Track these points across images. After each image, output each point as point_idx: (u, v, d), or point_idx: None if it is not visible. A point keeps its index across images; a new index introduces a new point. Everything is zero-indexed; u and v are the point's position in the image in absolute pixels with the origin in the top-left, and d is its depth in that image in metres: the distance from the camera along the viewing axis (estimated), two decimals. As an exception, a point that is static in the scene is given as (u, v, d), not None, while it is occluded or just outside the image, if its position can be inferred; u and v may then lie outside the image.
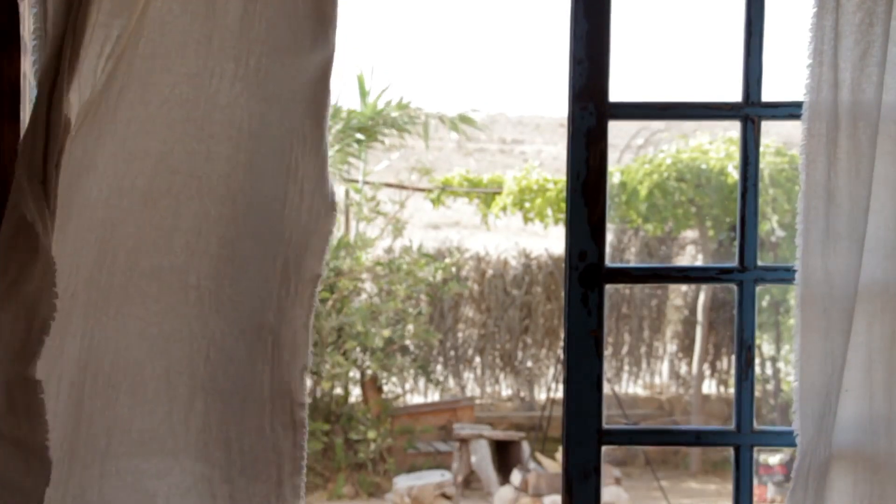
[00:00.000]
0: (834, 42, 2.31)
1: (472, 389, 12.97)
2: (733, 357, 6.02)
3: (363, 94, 11.41)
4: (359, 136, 11.12)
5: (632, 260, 13.32)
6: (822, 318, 2.34)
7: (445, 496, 9.67)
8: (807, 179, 2.34)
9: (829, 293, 2.34)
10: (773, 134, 13.71)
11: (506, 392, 13.13)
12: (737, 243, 2.51)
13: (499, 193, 12.71)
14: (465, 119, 11.81)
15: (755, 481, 2.58)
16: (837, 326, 2.33)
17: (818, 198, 2.34)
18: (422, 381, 12.29)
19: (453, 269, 11.90)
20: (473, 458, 10.36)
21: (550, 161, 19.76)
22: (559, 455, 9.95)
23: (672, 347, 13.46)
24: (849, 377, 2.34)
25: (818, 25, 2.32)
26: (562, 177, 12.44)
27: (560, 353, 12.36)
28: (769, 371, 11.99)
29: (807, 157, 2.33)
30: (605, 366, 5.31)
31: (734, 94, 2.52)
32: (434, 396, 12.43)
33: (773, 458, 10.30)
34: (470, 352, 12.99)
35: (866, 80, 2.31)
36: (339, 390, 10.86)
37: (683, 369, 13.26)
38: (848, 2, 2.30)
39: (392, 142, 11.76)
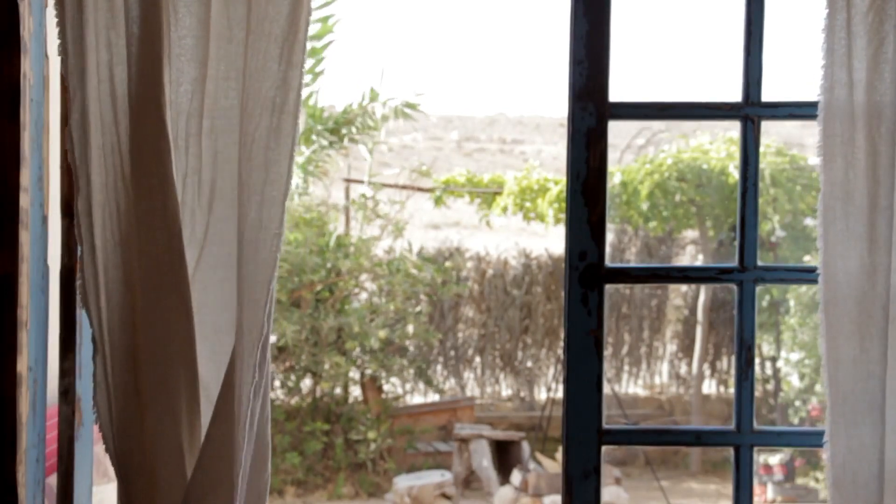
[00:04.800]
0: (847, 41, 2.29)
1: (472, 389, 12.97)
2: (733, 357, 6.02)
3: (373, 95, 11.43)
4: (330, 137, 11.16)
5: (632, 260, 13.32)
6: (845, 320, 2.28)
7: (445, 496, 9.67)
8: (825, 180, 2.31)
9: (850, 295, 2.28)
10: (773, 134, 13.70)
11: (506, 392, 13.13)
12: (737, 243, 2.51)
13: (499, 193, 12.71)
14: (410, 105, 11.75)
15: (755, 481, 2.57)
16: (864, 330, 2.27)
17: (836, 198, 2.30)
18: (422, 381, 12.30)
19: (453, 273, 11.89)
20: (473, 458, 10.36)
21: (550, 161, 19.76)
22: (559, 455, 9.95)
23: (672, 347, 13.46)
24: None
25: (830, 25, 2.29)
26: (562, 177, 12.43)
27: (560, 353, 12.36)
28: (769, 371, 11.98)
29: (824, 158, 2.30)
30: (605, 366, 5.30)
31: (734, 94, 2.52)
32: (434, 397, 12.44)
33: (773, 458, 10.29)
34: (470, 352, 12.99)
35: (879, 78, 2.28)
36: (338, 390, 10.86)
37: (683, 369, 13.26)
38: (861, 1, 2.28)
39: (362, 138, 11.71)
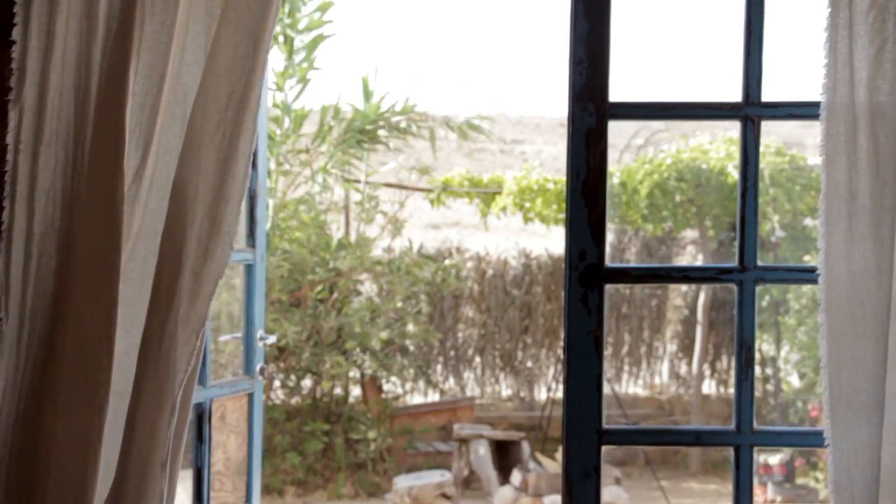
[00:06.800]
0: (849, 40, 2.28)
1: (472, 389, 12.97)
2: (733, 357, 6.02)
3: (367, 95, 11.35)
4: (360, 137, 11.07)
5: (632, 260, 13.31)
6: (849, 322, 2.25)
7: (445, 496, 9.66)
8: (827, 180, 2.29)
9: (854, 296, 2.26)
10: (773, 134, 13.69)
11: (506, 392, 13.12)
12: (737, 243, 2.51)
13: (499, 193, 12.70)
14: (472, 126, 11.80)
15: (755, 481, 2.56)
16: (869, 331, 2.25)
17: (839, 198, 2.28)
18: (422, 381, 12.29)
19: (453, 272, 11.88)
20: (473, 458, 10.36)
21: (550, 161, 19.75)
22: (559, 455, 9.95)
23: (672, 347, 13.45)
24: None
25: (833, 24, 2.28)
26: (562, 177, 12.42)
27: (560, 353, 12.36)
28: (769, 371, 11.98)
29: (826, 158, 2.28)
30: (605, 366, 5.31)
31: (734, 94, 2.52)
32: (434, 396, 12.43)
33: (773, 458, 10.29)
34: (470, 352, 12.99)
35: (881, 77, 2.27)
36: (339, 390, 10.86)
37: (683, 369, 13.25)
38: (862, 0, 2.28)
39: (396, 144, 11.74)
